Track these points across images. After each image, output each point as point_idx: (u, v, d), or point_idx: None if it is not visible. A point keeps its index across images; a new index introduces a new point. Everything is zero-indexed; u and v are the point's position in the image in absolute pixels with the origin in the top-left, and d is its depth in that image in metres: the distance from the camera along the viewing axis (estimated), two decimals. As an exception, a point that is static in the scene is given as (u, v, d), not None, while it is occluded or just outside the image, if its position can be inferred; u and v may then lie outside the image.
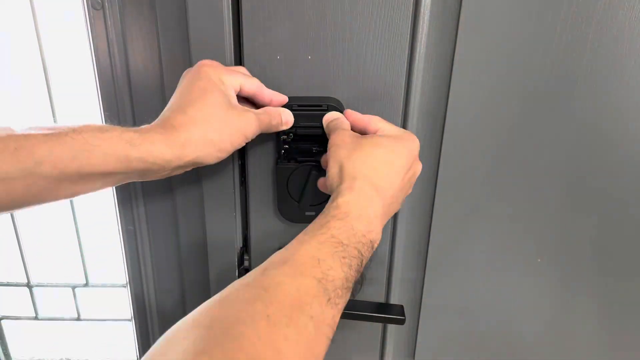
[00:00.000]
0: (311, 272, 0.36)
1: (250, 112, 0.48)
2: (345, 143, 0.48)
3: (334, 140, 0.49)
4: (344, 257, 0.38)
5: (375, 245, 0.44)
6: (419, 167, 0.51)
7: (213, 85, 0.47)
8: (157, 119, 0.46)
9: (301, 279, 0.35)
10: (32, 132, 0.38)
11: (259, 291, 0.34)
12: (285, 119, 0.52)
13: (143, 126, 0.44)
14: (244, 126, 0.47)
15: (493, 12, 0.52)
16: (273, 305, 0.33)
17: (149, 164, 0.43)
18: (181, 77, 0.49)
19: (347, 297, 0.38)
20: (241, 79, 0.49)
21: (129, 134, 0.42)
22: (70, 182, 0.40)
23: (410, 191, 0.52)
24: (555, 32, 0.52)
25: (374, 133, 0.51)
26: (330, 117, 0.53)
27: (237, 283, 0.36)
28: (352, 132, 0.51)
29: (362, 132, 0.52)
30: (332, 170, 0.47)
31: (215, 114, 0.46)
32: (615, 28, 0.52)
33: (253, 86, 0.50)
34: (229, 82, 0.48)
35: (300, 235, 0.40)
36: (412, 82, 0.55)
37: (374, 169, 0.46)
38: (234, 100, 0.48)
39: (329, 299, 0.35)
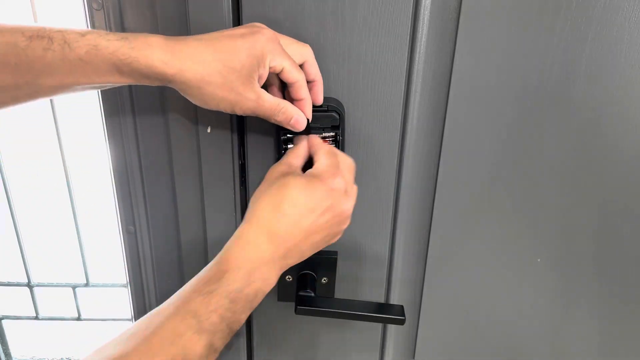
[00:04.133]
0: (168, 351, 0.38)
1: (253, 94, 0.46)
2: (267, 179, 0.49)
3: (268, 172, 0.50)
4: (208, 329, 0.40)
5: (265, 289, 0.45)
6: (342, 207, 0.48)
7: (251, 54, 0.45)
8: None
9: None
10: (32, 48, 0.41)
11: None
12: (295, 120, 0.50)
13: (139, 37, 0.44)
14: (235, 98, 0.46)
15: (493, 13, 0.52)
16: None
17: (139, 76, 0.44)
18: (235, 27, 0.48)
19: (213, 356, 0.41)
20: (285, 63, 0.47)
21: (124, 51, 0.42)
22: (64, 90, 0.45)
23: (335, 232, 0.49)
24: (555, 32, 0.52)
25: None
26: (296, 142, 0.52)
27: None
28: (286, 167, 0.49)
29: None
30: (257, 191, 0.48)
31: (224, 71, 0.45)
32: (615, 28, 0.52)
33: (291, 78, 0.48)
34: (270, 62, 0.46)
35: (182, 293, 0.42)
36: (412, 82, 0.55)
37: (274, 212, 0.45)
38: (254, 78, 0.46)
39: None
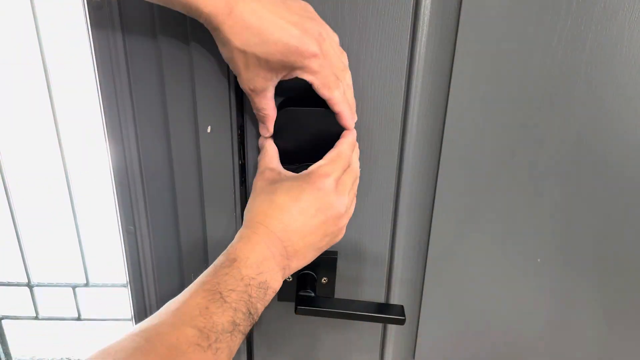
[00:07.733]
0: (194, 321, 0.39)
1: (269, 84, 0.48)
2: (256, 188, 0.50)
3: (254, 184, 0.51)
4: (229, 303, 0.41)
5: (273, 285, 0.46)
6: (334, 207, 0.49)
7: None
8: None
9: (183, 329, 0.39)
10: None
11: (140, 341, 0.37)
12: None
13: None
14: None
15: (493, 13, 0.52)
16: (150, 356, 0.36)
17: None
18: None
19: (239, 336, 0.42)
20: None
21: None
22: None
23: (333, 231, 0.50)
24: (555, 32, 0.52)
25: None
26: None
27: (130, 331, 0.39)
28: (269, 172, 0.51)
29: None
30: (248, 204, 0.50)
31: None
32: (615, 28, 0.52)
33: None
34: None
35: (196, 281, 0.44)
36: (412, 82, 0.55)
37: (267, 217, 0.47)
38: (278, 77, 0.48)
39: (209, 345, 0.39)
